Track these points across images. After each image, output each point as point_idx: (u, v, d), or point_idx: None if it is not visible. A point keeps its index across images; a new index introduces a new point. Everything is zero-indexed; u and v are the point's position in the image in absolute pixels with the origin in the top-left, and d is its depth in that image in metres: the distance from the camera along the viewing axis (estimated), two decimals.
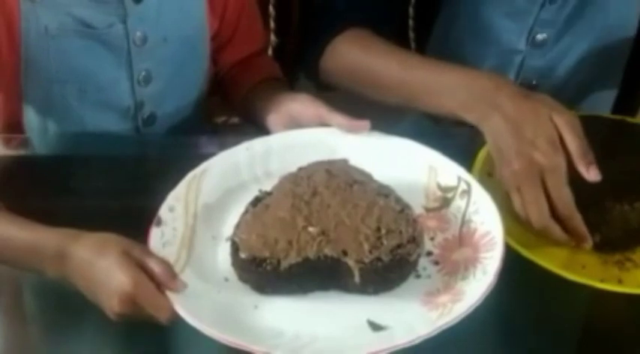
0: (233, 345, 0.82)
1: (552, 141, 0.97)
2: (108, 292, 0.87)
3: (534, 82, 1.29)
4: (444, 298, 0.87)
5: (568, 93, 1.27)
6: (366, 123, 1.04)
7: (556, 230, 0.97)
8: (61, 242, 0.91)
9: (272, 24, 1.57)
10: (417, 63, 1.14)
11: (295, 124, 1.10)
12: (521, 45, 1.27)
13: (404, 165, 1.02)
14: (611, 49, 1.27)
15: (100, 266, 0.88)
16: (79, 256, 0.90)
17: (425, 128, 1.37)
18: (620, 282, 0.95)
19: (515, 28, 1.26)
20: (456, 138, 1.13)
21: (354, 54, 1.20)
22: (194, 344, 0.91)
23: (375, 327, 0.86)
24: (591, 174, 0.97)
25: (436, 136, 1.20)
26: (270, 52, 1.52)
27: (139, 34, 1.18)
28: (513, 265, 0.90)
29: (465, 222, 0.95)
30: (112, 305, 0.87)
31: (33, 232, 0.94)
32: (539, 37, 1.26)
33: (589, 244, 0.98)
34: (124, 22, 1.17)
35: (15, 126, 1.23)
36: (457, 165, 1.01)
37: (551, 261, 0.94)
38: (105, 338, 0.96)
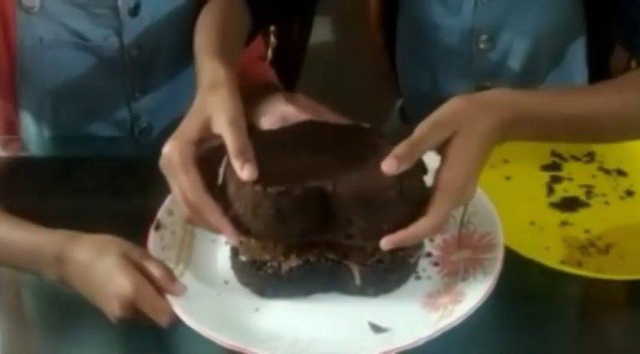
0: (234, 348, 0.82)
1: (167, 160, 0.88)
2: (107, 296, 0.87)
3: (488, 84, 1.26)
4: (444, 300, 0.87)
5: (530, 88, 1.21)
6: None
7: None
8: (60, 245, 0.91)
9: (272, 26, 1.57)
10: None
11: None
12: (465, 46, 1.26)
13: None
14: (559, 43, 1.25)
15: (99, 269, 0.88)
16: (77, 258, 0.90)
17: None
18: (579, 265, 0.98)
19: (456, 27, 1.25)
20: None
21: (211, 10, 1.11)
22: (195, 347, 0.91)
23: (377, 329, 0.86)
24: (245, 173, 0.83)
25: None
26: (270, 54, 1.52)
27: (134, 47, 1.18)
28: (513, 266, 0.90)
29: (463, 223, 0.95)
30: (111, 309, 0.86)
31: (31, 234, 0.94)
32: (482, 37, 1.25)
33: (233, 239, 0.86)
34: (120, 35, 1.17)
35: (13, 129, 1.23)
36: None
37: (514, 240, 0.94)
38: (105, 339, 0.96)
